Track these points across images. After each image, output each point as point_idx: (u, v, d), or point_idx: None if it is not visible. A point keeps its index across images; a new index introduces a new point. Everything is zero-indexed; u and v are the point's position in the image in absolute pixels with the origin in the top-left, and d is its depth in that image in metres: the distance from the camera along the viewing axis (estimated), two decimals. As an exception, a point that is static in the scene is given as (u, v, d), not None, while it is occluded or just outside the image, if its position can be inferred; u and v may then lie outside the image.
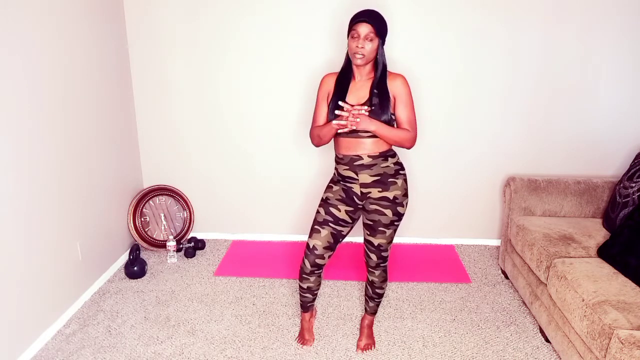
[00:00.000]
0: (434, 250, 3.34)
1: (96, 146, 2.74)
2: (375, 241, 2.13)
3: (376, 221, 2.09)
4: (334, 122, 1.95)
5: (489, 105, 3.12)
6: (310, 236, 2.17)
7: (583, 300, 2.03)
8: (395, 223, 2.10)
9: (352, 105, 1.97)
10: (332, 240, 2.15)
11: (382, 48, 1.99)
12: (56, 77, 2.35)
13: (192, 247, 3.20)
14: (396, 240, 3.40)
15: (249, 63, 3.08)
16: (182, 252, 3.23)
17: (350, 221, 2.17)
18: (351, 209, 2.14)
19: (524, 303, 2.72)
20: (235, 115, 3.20)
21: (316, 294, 2.31)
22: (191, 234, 3.44)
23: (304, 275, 2.22)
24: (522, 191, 2.84)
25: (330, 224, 2.13)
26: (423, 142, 3.16)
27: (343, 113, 1.93)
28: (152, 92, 3.16)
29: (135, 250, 2.93)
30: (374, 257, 2.18)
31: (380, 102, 1.97)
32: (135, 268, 2.89)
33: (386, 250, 2.16)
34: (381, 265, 2.20)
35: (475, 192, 3.32)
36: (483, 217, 3.38)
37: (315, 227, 2.16)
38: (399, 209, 2.09)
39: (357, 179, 2.06)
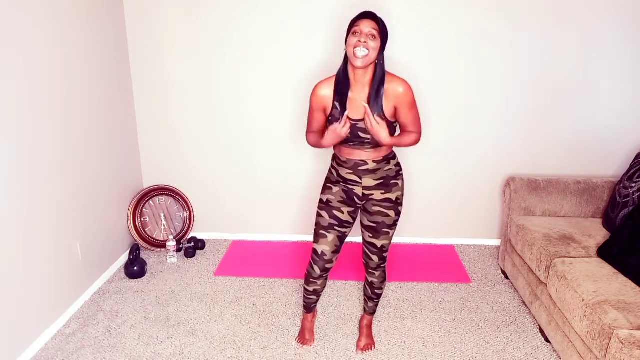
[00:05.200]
0: (434, 250, 3.34)
1: (96, 146, 2.74)
2: (379, 243, 2.12)
3: (380, 223, 2.08)
4: (339, 128, 1.87)
5: (489, 105, 3.12)
6: (316, 241, 2.14)
7: (583, 300, 2.03)
8: (397, 223, 2.12)
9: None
10: (338, 244, 2.13)
11: (383, 55, 1.88)
12: (56, 76, 2.35)
13: (192, 247, 3.19)
14: (396, 240, 3.41)
15: (249, 63, 3.08)
16: (182, 252, 3.23)
17: (352, 221, 2.15)
18: (352, 209, 2.13)
19: (524, 303, 2.72)
20: (235, 115, 3.20)
21: (320, 295, 2.31)
22: (191, 234, 3.44)
23: (312, 280, 2.20)
24: (522, 191, 2.84)
25: (335, 227, 2.10)
26: (423, 142, 3.15)
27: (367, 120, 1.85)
28: (152, 92, 3.16)
29: (135, 250, 2.93)
30: (375, 258, 2.17)
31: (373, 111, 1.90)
32: (135, 268, 2.89)
33: (387, 251, 2.16)
34: (381, 266, 2.20)
35: (475, 192, 3.32)
36: (483, 217, 3.38)
37: (321, 232, 2.12)
38: (400, 208, 2.10)
39: (360, 183, 2.04)
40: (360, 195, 2.07)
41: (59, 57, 2.36)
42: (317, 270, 2.16)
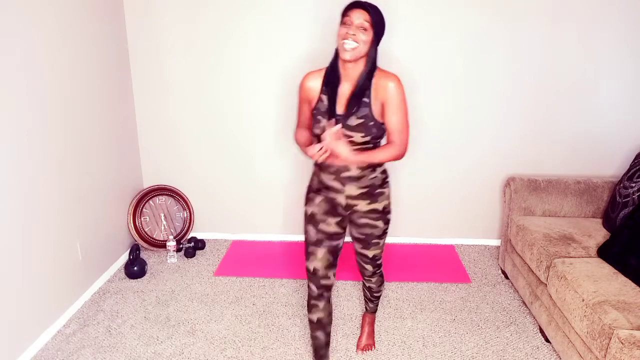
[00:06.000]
0: (434, 250, 3.34)
1: (96, 146, 2.74)
2: (370, 253, 2.03)
3: (368, 234, 1.97)
4: (317, 156, 1.72)
5: (489, 105, 3.12)
6: (307, 258, 1.99)
7: (583, 300, 2.03)
8: (386, 232, 2.01)
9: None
10: (331, 258, 1.97)
11: (376, 50, 1.74)
12: (56, 76, 2.35)
13: (192, 247, 3.19)
14: (396, 240, 3.41)
15: (249, 63, 3.08)
16: (182, 252, 3.23)
17: (342, 231, 1.99)
18: (339, 219, 1.96)
19: (524, 303, 2.72)
20: (235, 115, 3.20)
21: (329, 332, 2.05)
22: (191, 234, 3.44)
23: (312, 302, 1.99)
24: (522, 191, 2.84)
25: (325, 241, 1.95)
26: (423, 142, 3.16)
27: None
28: (152, 92, 3.16)
29: (135, 250, 2.93)
30: (369, 267, 2.10)
31: (353, 105, 1.77)
32: (135, 268, 2.89)
33: (380, 259, 2.08)
34: (377, 272, 2.14)
35: (475, 192, 3.32)
36: (483, 217, 3.38)
37: (310, 248, 1.97)
38: (388, 216, 1.99)
39: (344, 190, 1.89)
40: (344, 204, 1.92)
41: (59, 57, 2.36)
42: (314, 288, 1.97)
